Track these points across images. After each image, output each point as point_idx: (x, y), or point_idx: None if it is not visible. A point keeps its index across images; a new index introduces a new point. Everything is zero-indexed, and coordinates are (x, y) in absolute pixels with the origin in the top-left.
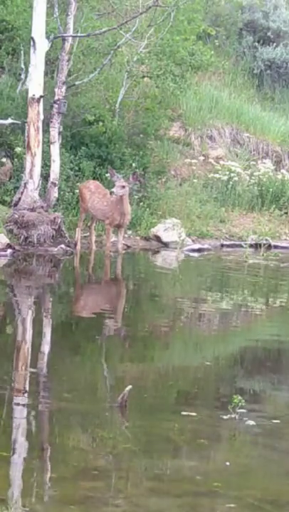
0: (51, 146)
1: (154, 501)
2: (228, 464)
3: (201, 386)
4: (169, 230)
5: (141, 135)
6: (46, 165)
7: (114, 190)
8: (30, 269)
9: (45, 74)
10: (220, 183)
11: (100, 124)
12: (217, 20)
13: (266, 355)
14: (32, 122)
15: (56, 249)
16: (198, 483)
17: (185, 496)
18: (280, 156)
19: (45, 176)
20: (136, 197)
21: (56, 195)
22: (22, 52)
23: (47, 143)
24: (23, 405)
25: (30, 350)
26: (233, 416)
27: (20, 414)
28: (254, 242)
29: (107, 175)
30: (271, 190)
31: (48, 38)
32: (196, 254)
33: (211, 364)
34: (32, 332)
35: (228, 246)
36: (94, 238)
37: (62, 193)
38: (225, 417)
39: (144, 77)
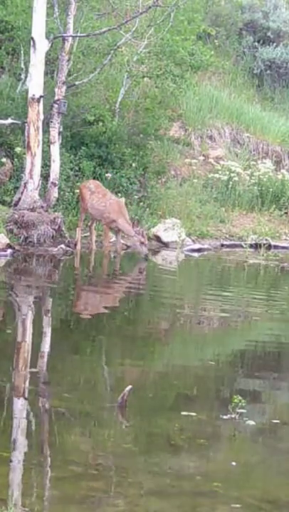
0: (51, 146)
1: (154, 501)
2: (234, 464)
3: (202, 386)
4: (169, 230)
5: (141, 135)
6: (46, 165)
7: (138, 248)
8: (30, 269)
9: (45, 74)
10: (220, 183)
11: (100, 124)
12: (217, 20)
13: (266, 355)
14: (32, 122)
15: (56, 249)
16: (198, 483)
17: (185, 496)
18: (280, 156)
19: (45, 176)
20: (136, 197)
21: (56, 195)
22: (22, 52)
23: (47, 143)
24: (23, 405)
25: (30, 350)
26: (233, 416)
27: (20, 414)
28: (254, 242)
29: (107, 175)
30: (271, 190)
31: (48, 38)
32: (196, 254)
33: (213, 364)
34: (32, 332)
35: (228, 246)
36: (94, 238)
37: (62, 193)
38: (225, 417)
39: (144, 77)
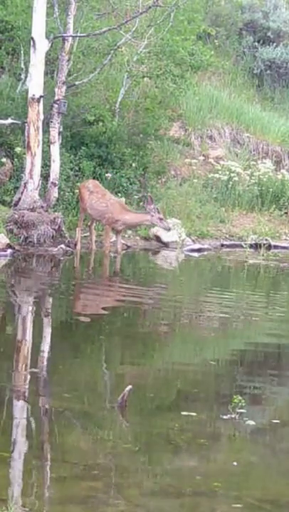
0: (51, 146)
1: (154, 501)
2: (234, 464)
3: (201, 386)
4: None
5: (141, 135)
6: (46, 165)
7: (160, 225)
8: (30, 269)
9: (45, 74)
10: (220, 183)
11: (100, 124)
12: (217, 20)
13: (266, 356)
14: (32, 122)
15: (56, 249)
16: (198, 483)
17: (185, 496)
18: (280, 156)
19: (45, 176)
20: (136, 197)
21: (56, 195)
22: (22, 52)
23: (47, 143)
24: (23, 405)
25: (30, 350)
26: (233, 416)
27: (20, 414)
28: (254, 242)
29: (107, 175)
30: (271, 190)
31: (48, 38)
32: (196, 254)
33: (213, 364)
34: (32, 332)
35: (228, 246)
36: (94, 238)
37: (62, 193)
38: (225, 417)
39: (144, 77)
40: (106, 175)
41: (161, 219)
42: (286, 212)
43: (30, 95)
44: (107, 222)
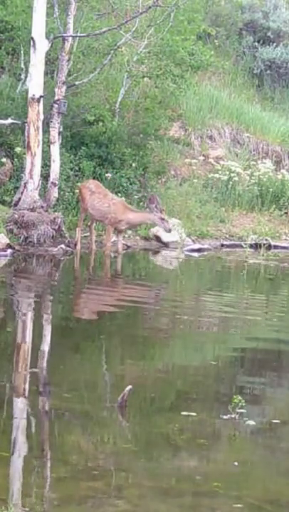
0: (51, 146)
1: (154, 501)
2: (235, 464)
3: (202, 386)
4: None
5: (141, 135)
6: (46, 165)
7: (160, 225)
8: (30, 269)
9: (45, 74)
10: (220, 183)
11: (100, 124)
12: (217, 20)
13: (266, 356)
14: (32, 122)
15: (56, 249)
16: (198, 483)
17: (185, 496)
18: (280, 156)
19: (45, 176)
20: (136, 197)
21: (56, 195)
22: (22, 52)
23: (47, 143)
24: (23, 405)
25: (30, 350)
26: (233, 416)
27: (20, 414)
28: (254, 242)
29: (107, 175)
30: (271, 190)
31: (48, 38)
32: (196, 254)
33: (213, 364)
34: (32, 332)
35: (228, 246)
36: (94, 238)
37: (62, 193)
38: (225, 417)
39: (144, 77)
40: (106, 175)
41: (162, 219)
42: (286, 212)
43: (30, 95)
44: (110, 223)
